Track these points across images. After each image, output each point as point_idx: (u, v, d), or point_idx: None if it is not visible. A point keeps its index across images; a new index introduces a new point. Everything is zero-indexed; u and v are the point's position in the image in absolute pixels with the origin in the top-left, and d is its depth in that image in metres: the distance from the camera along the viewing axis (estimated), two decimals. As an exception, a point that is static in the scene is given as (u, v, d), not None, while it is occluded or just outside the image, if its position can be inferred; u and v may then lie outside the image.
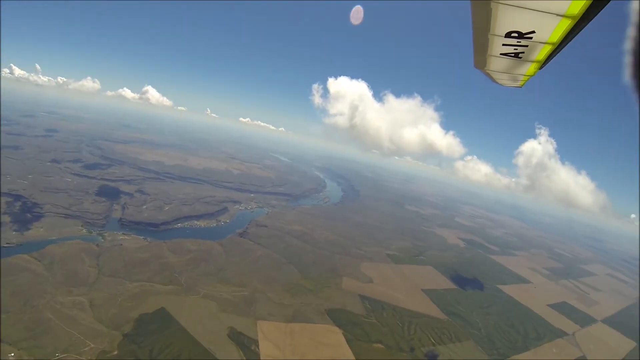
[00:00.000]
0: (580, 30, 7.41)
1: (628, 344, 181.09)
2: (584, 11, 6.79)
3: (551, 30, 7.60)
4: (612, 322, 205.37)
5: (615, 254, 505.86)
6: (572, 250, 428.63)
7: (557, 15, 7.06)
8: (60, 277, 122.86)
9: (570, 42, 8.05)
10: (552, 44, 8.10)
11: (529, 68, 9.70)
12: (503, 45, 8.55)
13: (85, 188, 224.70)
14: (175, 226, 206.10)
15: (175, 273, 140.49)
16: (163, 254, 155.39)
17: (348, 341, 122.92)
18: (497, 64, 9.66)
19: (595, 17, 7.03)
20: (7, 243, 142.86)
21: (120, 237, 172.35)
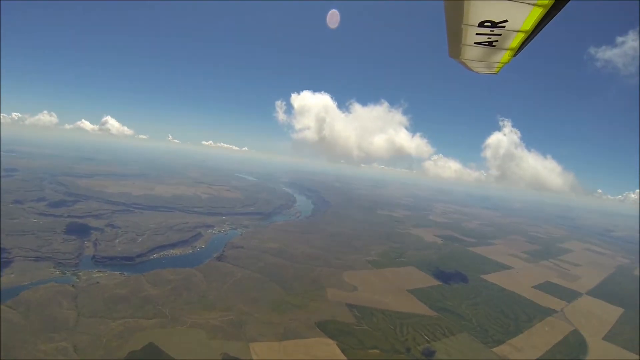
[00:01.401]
0: (552, 17, 7.71)
1: (616, 311, 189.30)
2: (554, 0, 7.12)
3: (523, 19, 7.85)
4: (597, 293, 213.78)
5: (588, 228, 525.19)
6: (547, 231, 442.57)
7: (529, 4, 7.32)
8: (39, 323, 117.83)
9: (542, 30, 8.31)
10: (525, 31, 8.38)
11: (504, 55, 10.08)
12: (477, 34, 8.78)
13: (53, 227, 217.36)
14: (151, 257, 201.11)
15: (158, 305, 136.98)
16: (142, 287, 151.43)
17: (343, 351, 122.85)
18: (471, 52, 9.96)
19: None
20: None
21: (96, 275, 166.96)
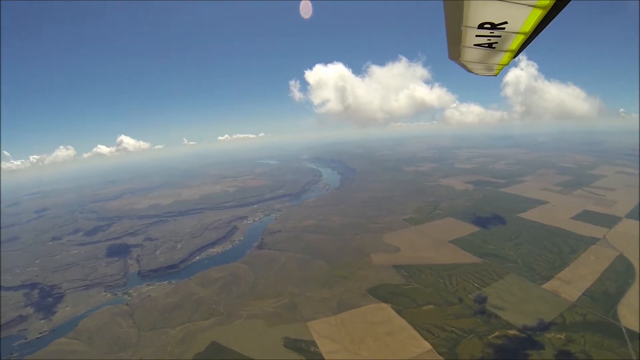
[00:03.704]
0: (552, 19, 7.67)
1: None
2: (554, 2, 7.04)
3: (523, 21, 7.82)
4: (636, 214, 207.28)
5: (616, 151, 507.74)
6: (575, 160, 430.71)
7: (529, 5, 7.23)
8: (104, 347, 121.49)
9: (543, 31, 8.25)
10: (525, 33, 8.36)
11: (503, 57, 10.17)
12: (476, 36, 8.76)
13: (94, 254, 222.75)
14: (194, 260, 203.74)
15: (211, 305, 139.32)
16: (193, 290, 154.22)
17: (399, 312, 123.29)
18: (471, 54, 9.99)
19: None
20: (40, 333, 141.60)
21: (146, 289, 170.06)
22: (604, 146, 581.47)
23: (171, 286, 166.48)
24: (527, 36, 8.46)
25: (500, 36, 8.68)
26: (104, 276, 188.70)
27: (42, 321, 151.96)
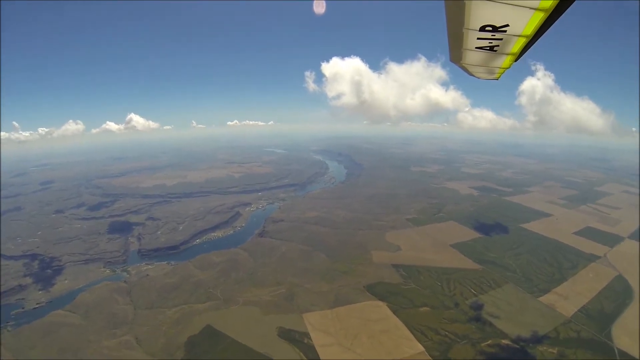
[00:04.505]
0: (554, 22, 7.57)
1: None
2: (556, 4, 6.92)
3: (525, 23, 7.74)
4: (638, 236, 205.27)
5: (625, 169, 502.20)
6: (583, 175, 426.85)
7: (531, 8, 7.16)
8: (100, 322, 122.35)
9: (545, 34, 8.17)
10: (526, 36, 8.26)
11: (505, 60, 10.06)
12: (478, 39, 8.67)
13: (97, 229, 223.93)
14: (195, 243, 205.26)
15: (209, 289, 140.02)
16: (191, 273, 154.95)
17: (394, 312, 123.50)
18: (472, 57, 9.90)
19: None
20: (37, 304, 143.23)
21: (145, 268, 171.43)
22: (614, 164, 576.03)
23: (170, 267, 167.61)
24: (529, 39, 8.42)
25: (501, 39, 8.65)
26: (104, 252, 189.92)
27: (40, 292, 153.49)
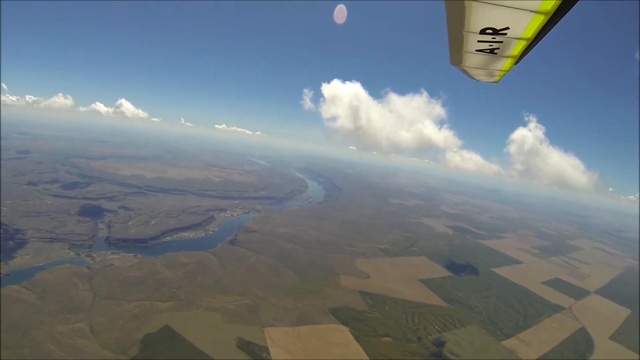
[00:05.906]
0: (554, 25, 7.62)
1: (623, 312, 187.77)
2: (556, 7, 7.01)
3: (525, 26, 7.81)
4: (605, 292, 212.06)
5: (599, 227, 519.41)
6: (557, 227, 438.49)
7: (531, 11, 7.25)
8: (55, 305, 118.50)
9: (545, 37, 8.22)
10: (527, 39, 8.35)
11: (505, 63, 10.12)
12: (478, 41, 8.80)
13: (67, 209, 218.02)
14: (164, 240, 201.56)
15: (173, 288, 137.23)
16: (157, 269, 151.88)
17: (356, 338, 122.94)
18: (472, 60, 10.02)
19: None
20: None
21: (110, 257, 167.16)
22: (588, 220, 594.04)
23: (136, 260, 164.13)
24: (529, 42, 8.49)
25: (502, 42, 8.73)
26: (71, 233, 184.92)
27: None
